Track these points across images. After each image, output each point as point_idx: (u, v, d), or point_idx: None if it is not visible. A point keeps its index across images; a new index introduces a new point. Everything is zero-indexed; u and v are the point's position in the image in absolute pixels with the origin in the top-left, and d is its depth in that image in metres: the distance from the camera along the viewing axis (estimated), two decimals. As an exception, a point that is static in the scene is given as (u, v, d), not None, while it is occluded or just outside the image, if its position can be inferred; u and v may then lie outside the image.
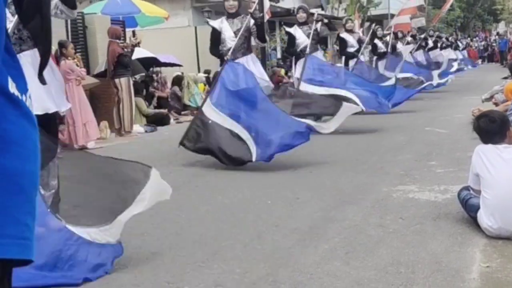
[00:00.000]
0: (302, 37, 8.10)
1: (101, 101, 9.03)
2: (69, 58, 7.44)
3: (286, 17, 18.62)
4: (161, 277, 2.78)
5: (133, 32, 9.14)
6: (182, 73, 12.86)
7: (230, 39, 6.01)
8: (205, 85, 12.94)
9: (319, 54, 8.27)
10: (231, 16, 6.11)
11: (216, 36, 6.12)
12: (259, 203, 4.14)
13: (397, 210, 3.83)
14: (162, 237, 3.44)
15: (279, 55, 18.79)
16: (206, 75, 13.57)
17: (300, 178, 4.96)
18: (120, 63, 8.35)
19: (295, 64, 8.28)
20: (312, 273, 2.75)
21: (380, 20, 24.70)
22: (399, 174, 4.93)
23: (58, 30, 8.14)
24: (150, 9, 11.06)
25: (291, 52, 8.46)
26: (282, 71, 16.79)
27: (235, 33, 5.99)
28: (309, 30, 8.03)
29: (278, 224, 3.60)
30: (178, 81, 12.78)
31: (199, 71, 14.19)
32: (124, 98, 8.66)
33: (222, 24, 6.11)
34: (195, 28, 14.67)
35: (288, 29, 8.41)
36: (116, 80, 8.49)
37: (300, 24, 8.19)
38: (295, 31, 8.17)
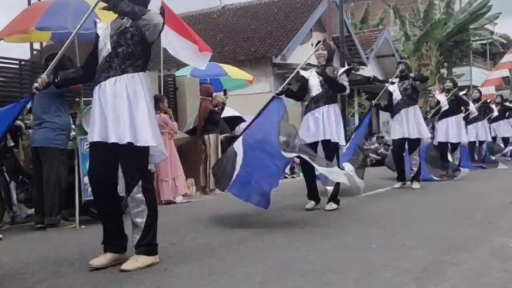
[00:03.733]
0: (396, 93, 8.08)
1: (188, 159, 9.16)
2: (164, 112, 7.71)
3: (365, 85, 18.65)
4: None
5: (225, 90, 9.41)
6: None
7: (315, 88, 6.02)
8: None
9: (417, 108, 8.17)
10: (320, 66, 6.14)
11: (304, 84, 6.14)
12: (363, 247, 3.91)
13: (519, 257, 3.48)
14: (266, 269, 3.30)
15: (357, 122, 18.70)
16: (285, 139, 13.66)
17: (403, 228, 4.71)
18: (211, 120, 8.55)
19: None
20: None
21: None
22: (512, 228, 4.56)
23: (151, 89, 8.56)
24: (236, 72, 11.44)
25: (389, 108, 8.37)
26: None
27: (321, 82, 6.01)
28: (403, 85, 8.04)
29: (388, 264, 3.36)
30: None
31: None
32: (211, 155, 8.78)
33: (311, 73, 6.14)
34: (277, 93, 14.99)
35: (391, 86, 8.33)
36: (206, 137, 8.67)
37: (400, 80, 8.12)
38: (392, 87, 8.14)
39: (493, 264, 3.33)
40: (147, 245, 3.45)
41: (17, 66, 7.92)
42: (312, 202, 6.10)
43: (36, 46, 8.90)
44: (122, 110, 3.39)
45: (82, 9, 5.86)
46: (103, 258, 3.48)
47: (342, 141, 6.13)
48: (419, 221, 5.04)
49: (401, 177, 8.27)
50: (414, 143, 8.11)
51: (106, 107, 3.42)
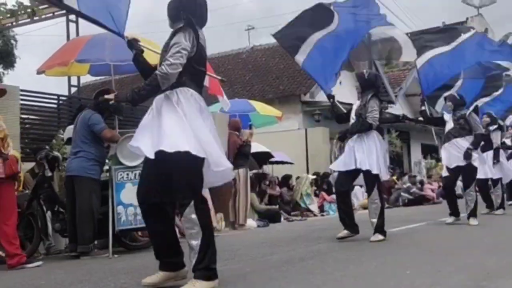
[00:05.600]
0: (450, 122, 7.72)
1: (218, 194, 9.19)
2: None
3: (395, 123, 18.60)
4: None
5: (250, 125, 9.51)
6: (292, 176, 13.02)
7: (352, 118, 6.05)
8: (312, 186, 12.93)
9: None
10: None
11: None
12: (398, 273, 3.84)
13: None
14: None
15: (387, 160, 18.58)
16: (314, 177, 13.62)
17: (438, 257, 4.63)
18: (241, 154, 8.61)
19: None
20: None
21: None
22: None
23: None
24: (264, 108, 11.57)
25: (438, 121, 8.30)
26: (394, 177, 16.46)
27: (357, 110, 6.01)
28: (456, 116, 7.67)
29: (424, 289, 3.30)
30: (286, 181, 12.93)
31: (307, 173, 14.29)
32: (241, 189, 8.81)
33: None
34: (306, 130, 15.06)
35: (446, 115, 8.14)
36: (235, 171, 8.72)
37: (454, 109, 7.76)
38: (446, 116, 7.93)
39: (534, 289, 3.25)
40: (204, 269, 3.23)
41: (55, 101, 8.23)
42: (345, 231, 5.87)
43: (73, 82, 9.27)
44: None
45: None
46: (155, 277, 3.40)
47: (374, 170, 5.75)
48: (455, 251, 4.95)
49: (454, 212, 7.74)
50: (468, 177, 7.59)
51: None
